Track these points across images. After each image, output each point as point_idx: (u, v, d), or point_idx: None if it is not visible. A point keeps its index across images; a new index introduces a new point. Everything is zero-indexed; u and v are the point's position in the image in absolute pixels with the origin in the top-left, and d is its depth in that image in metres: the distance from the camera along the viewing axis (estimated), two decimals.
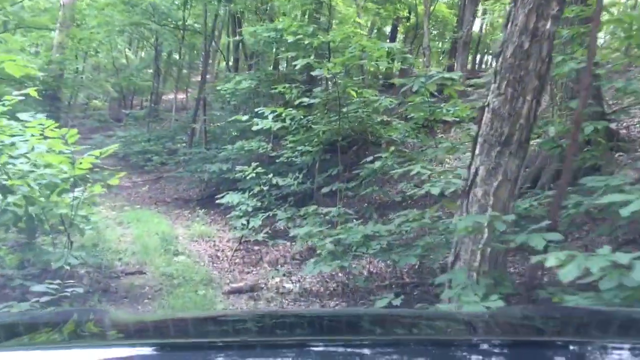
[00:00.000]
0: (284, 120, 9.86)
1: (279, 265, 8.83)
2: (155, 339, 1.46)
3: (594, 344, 1.28)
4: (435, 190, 6.06)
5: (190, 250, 9.18)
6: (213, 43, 19.20)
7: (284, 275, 7.70)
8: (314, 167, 11.40)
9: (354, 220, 8.00)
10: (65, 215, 6.71)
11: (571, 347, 1.24)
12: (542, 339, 1.47)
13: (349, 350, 1.23)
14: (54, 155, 6.47)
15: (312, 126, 10.70)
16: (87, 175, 6.92)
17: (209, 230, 10.72)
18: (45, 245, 6.88)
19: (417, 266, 7.33)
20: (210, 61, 20.51)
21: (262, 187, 10.45)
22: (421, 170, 6.91)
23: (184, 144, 18.68)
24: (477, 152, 4.79)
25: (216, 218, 12.58)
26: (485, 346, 1.29)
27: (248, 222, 9.54)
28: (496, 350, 1.25)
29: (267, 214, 10.06)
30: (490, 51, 23.36)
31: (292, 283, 7.63)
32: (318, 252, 7.48)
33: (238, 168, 10.80)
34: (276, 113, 9.86)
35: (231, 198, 10.49)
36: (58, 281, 5.22)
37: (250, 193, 10.47)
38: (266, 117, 9.81)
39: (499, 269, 4.66)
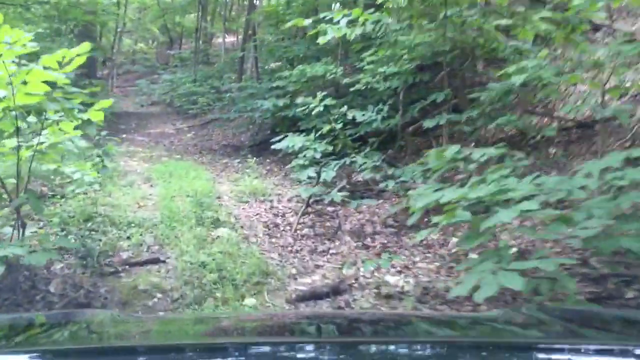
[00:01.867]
0: (363, 26, 6.49)
1: (367, 238, 5.73)
2: (155, 340, 1.43)
3: (594, 346, 1.22)
4: None
5: (237, 217, 6.17)
6: None
7: (384, 261, 4.54)
8: (400, 96, 8.11)
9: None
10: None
11: (571, 349, 1.19)
12: (542, 339, 1.40)
13: (349, 350, 1.18)
14: None
15: (399, 38, 7.32)
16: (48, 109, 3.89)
17: (263, 185, 7.67)
18: None
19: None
20: None
21: (333, 125, 7.25)
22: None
23: (234, 82, 15.65)
24: None
25: (273, 168, 9.55)
26: (484, 348, 1.21)
27: (319, 174, 6.41)
28: (496, 352, 1.18)
29: (342, 161, 6.92)
30: None
31: (400, 275, 4.51)
32: (438, 219, 4.28)
33: (299, 101, 7.64)
34: (350, 17, 6.49)
35: (292, 141, 7.36)
36: None
37: (318, 134, 7.32)
38: (336, 23, 6.47)
39: None
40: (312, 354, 1.17)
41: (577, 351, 1.18)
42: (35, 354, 1.17)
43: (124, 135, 13.67)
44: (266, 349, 1.20)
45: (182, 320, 2.04)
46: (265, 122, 10.93)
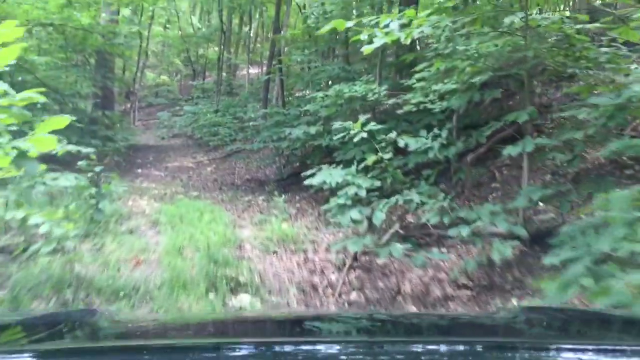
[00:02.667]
0: (420, 30, 5.04)
1: (437, 304, 4.19)
2: (155, 340, 1.41)
3: (594, 346, 1.20)
4: None
5: (262, 276, 4.69)
6: None
7: None
8: (454, 118, 6.64)
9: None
10: None
11: (571, 349, 1.18)
12: (541, 339, 1.43)
13: (349, 350, 1.18)
14: None
15: (458, 48, 5.87)
16: None
17: (294, 230, 6.21)
18: None
19: None
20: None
21: (380, 155, 5.78)
22: None
23: (258, 111, 14.41)
24: None
25: (304, 207, 8.09)
26: (484, 348, 1.19)
27: (370, 219, 4.93)
28: (496, 352, 1.17)
29: (392, 200, 5.42)
30: None
31: None
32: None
33: (337, 126, 6.18)
34: (401, 20, 5.05)
35: (327, 176, 5.93)
36: None
37: (360, 166, 5.87)
38: (385, 27, 5.04)
39: None
40: (312, 354, 1.14)
41: (577, 351, 1.16)
42: (35, 354, 1.13)
43: (140, 170, 12.42)
44: (266, 349, 1.18)
45: (181, 320, 2.00)
46: (294, 153, 9.53)
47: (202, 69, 26.95)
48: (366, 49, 5.07)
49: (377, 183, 5.72)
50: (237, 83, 23.93)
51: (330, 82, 9.51)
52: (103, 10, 14.94)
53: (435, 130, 6.14)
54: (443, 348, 1.22)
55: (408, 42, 4.86)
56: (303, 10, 15.80)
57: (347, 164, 6.82)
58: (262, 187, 10.04)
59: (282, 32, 14.63)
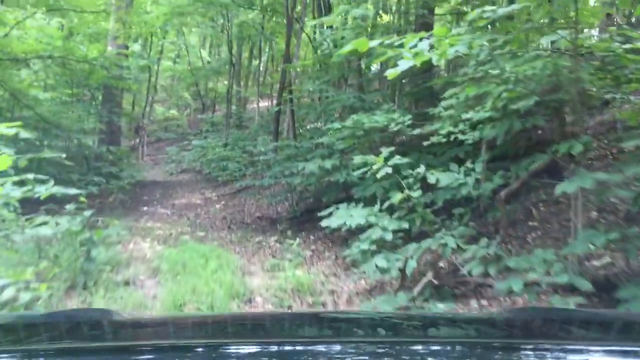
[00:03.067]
0: (454, 49, 4.38)
1: None
2: (157, 340, 1.42)
3: (593, 347, 1.20)
4: None
5: None
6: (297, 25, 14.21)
7: None
8: (482, 149, 5.94)
9: None
10: None
11: (570, 350, 1.17)
12: (541, 340, 1.40)
13: (348, 350, 1.16)
14: None
15: (492, 71, 5.22)
16: None
17: (310, 278, 5.49)
18: None
19: None
20: (295, 42, 15.36)
21: (407, 192, 5.08)
22: None
23: (268, 144, 13.82)
24: None
25: (319, 248, 7.37)
26: (484, 348, 1.20)
27: (403, 270, 4.22)
28: (496, 352, 1.17)
29: (424, 245, 4.70)
30: None
31: None
32: None
33: (357, 160, 5.52)
34: (430, 40, 4.41)
35: (347, 217, 5.26)
36: None
37: (384, 205, 5.19)
38: (414, 47, 4.39)
39: None
40: (312, 354, 1.12)
41: (577, 352, 1.15)
42: (35, 354, 1.14)
43: (145, 208, 11.79)
44: (265, 348, 1.17)
45: (181, 320, 1.96)
46: (307, 189, 8.85)
47: (212, 102, 26.60)
48: (391, 74, 4.42)
49: (405, 225, 5.01)
50: (247, 116, 23.48)
51: (342, 113, 8.91)
52: (109, 44, 14.59)
53: (468, 164, 5.45)
54: (443, 348, 1.19)
55: (441, 63, 4.23)
56: (314, 41, 15.37)
57: (366, 201, 6.14)
58: (273, 225, 9.34)
59: (292, 63, 14.13)
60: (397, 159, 5.33)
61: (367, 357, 1.13)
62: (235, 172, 13.17)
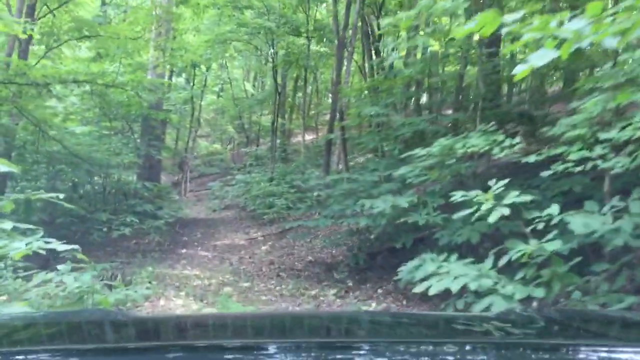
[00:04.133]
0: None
1: None
2: (158, 340, 1.41)
3: (594, 347, 1.18)
4: None
5: None
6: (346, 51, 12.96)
7: None
8: (609, 181, 4.33)
9: None
10: None
11: (570, 349, 1.16)
12: (540, 340, 1.39)
13: (349, 350, 1.16)
14: None
15: None
16: None
17: None
18: None
19: None
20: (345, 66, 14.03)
21: (539, 243, 3.51)
22: None
23: (318, 180, 12.45)
24: None
25: (391, 306, 5.82)
26: (485, 348, 1.19)
27: None
28: (495, 351, 1.16)
29: None
30: None
31: None
32: None
33: (458, 196, 4.00)
34: (582, 21, 2.88)
35: (448, 279, 3.73)
36: None
37: (502, 262, 3.64)
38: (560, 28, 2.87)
39: None
40: (312, 354, 1.12)
41: (576, 351, 1.14)
42: (35, 354, 1.13)
43: (184, 250, 10.48)
44: (265, 349, 1.16)
45: (183, 320, 1.92)
46: (369, 230, 7.33)
47: (256, 136, 25.61)
48: (522, 72, 2.88)
49: (538, 292, 3.44)
50: (292, 148, 22.32)
51: (409, 141, 7.43)
52: (149, 74, 13.65)
53: (615, 202, 3.85)
54: (443, 348, 1.17)
55: (620, 47, 2.72)
56: (372, 63, 14.04)
57: (453, 249, 4.61)
58: (329, 273, 7.84)
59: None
60: (514, 196, 3.78)
61: (366, 357, 1.10)
62: (282, 209, 11.78)
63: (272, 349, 1.14)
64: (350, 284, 6.98)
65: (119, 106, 11.98)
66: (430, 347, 1.18)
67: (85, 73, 7.87)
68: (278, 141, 20.27)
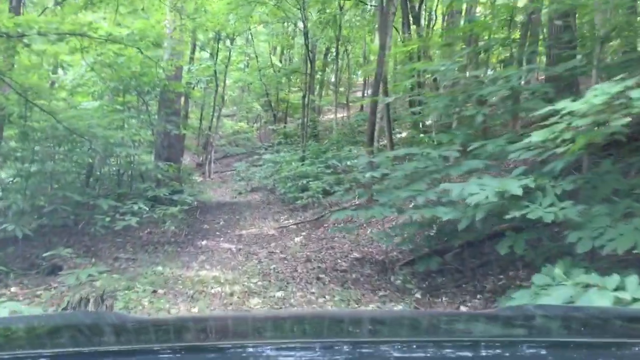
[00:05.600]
0: None
1: None
2: (158, 342, 1.35)
3: (594, 344, 1.16)
4: None
5: None
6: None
7: None
8: None
9: None
10: None
11: (569, 347, 1.13)
12: (540, 337, 1.34)
13: (349, 349, 1.11)
14: None
15: None
16: None
17: None
18: None
19: None
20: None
21: None
22: None
23: (355, 158, 10.55)
24: None
25: None
26: (485, 346, 1.15)
27: None
28: (497, 351, 1.13)
29: None
30: None
31: None
32: None
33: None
34: None
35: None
36: None
37: None
38: None
39: None
40: (312, 354, 1.09)
41: (576, 348, 1.12)
42: (35, 357, 1.10)
43: (204, 242, 8.76)
44: (265, 349, 1.14)
45: (182, 322, 1.85)
46: (457, 224, 5.41)
47: (284, 114, 23.77)
48: None
49: None
50: (323, 125, 20.46)
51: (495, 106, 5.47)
52: (164, 43, 11.85)
53: None
54: (442, 347, 1.15)
55: None
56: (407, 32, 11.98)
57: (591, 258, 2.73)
58: (385, 276, 6.00)
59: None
60: None
61: (366, 357, 1.08)
62: (318, 193, 9.94)
63: (272, 349, 1.12)
64: (418, 295, 5.14)
65: (132, 77, 10.24)
66: (429, 347, 1.14)
67: (72, 23, 6.08)
68: (307, 119, 18.43)
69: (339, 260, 7.07)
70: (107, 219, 7.30)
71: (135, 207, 7.38)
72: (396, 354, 1.09)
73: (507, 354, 1.10)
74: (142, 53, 7.47)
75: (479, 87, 5.10)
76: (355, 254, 7.20)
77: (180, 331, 1.55)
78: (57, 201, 7.45)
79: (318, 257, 7.28)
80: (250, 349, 1.14)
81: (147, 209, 7.64)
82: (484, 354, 1.11)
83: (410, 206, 5.82)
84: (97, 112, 10.19)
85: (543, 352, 1.12)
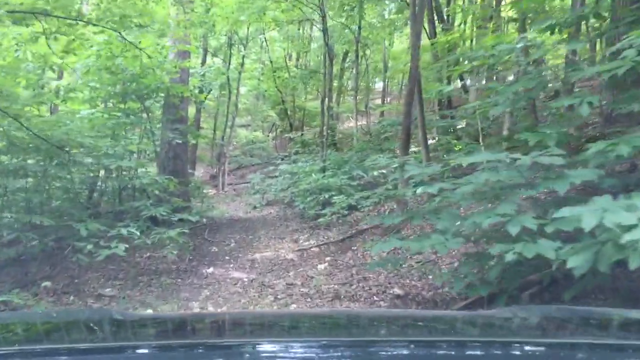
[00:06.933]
0: None
1: None
2: (157, 340, 1.34)
3: (593, 344, 1.12)
4: None
5: None
6: None
7: None
8: None
9: None
10: None
11: (569, 347, 1.11)
12: (542, 339, 1.31)
13: (349, 349, 1.10)
14: None
15: None
16: None
17: None
18: None
19: None
20: None
21: None
22: None
23: (383, 168, 9.01)
24: None
25: None
26: (485, 346, 1.13)
27: None
28: (496, 351, 1.10)
29: None
30: None
31: None
32: None
33: None
34: None
35: None
36: None
37: None
38: None
39: None
40: (313, 354, 1.07)
41: (576, 349, 1.08)
42: (34, 354, 1.08)
43: (210, 270, 7.26)
44: (266, 348, 1.12)
45: (181, 320, 1.81)
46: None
47: (300, 122, 22.33)
48: None
49: None
50: (342, 134, 18.96)
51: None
52: (168, 40, 10.48)
53: None
54: (442, 347, 1.12)
55: None
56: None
57: None
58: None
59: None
60: None
61: (365, 356, 1.05)
62: (343, 209, 8.42)
63: (272, 347, 1.09)
64: None
65: (132, 81, 8.86)
66: (430, 346, 1.12)
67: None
68: (325, 128, 16.96)
69: (376, 298, 5.51)
70: (89, 246, 5.85)
71: (125, 231, 5.90)
72: (396, 354, 1.07)
73: (506, 355, 1.05)
74: (123, 38, 6.04)
75: (576, 67, 3.57)
76: (396, 290, 5.63)
77: (181, 329, 1.50)
78: (23, 227, 6.04)
79: (348, 294, 5.72)
80: (251, 347, 1.10)
81: (139, 233, 6.16)
82: (483, 354, 1.07)
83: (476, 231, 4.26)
84: (92, 121, 8.84)
85: (541, 353, 1.08)
